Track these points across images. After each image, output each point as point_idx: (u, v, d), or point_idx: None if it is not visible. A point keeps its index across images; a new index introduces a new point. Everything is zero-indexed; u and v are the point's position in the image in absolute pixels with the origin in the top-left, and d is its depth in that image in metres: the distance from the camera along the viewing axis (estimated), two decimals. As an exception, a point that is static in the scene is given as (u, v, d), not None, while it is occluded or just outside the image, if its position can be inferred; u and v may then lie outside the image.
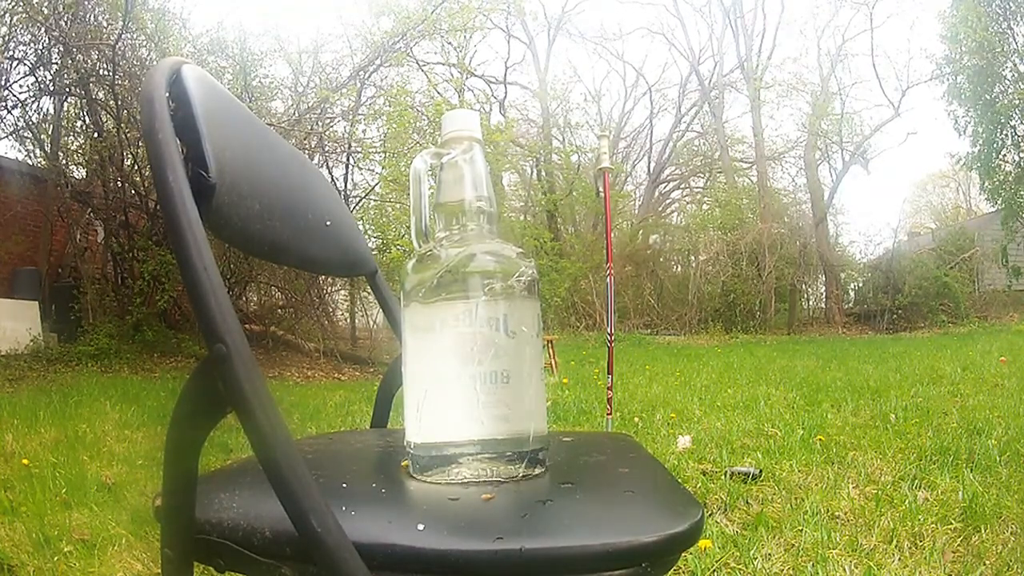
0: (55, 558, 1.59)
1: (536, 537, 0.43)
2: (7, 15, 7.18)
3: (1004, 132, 13.09)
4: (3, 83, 7.47)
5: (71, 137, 8.25)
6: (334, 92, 8.01)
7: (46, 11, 6.95)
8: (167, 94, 0.50)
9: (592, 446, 0.72)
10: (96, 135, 7.54)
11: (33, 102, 7.83)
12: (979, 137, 13.45)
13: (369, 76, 8.48)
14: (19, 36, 7.41)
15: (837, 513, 1.86)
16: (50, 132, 8.04)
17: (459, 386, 0.53)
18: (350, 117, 8.39)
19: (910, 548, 1.59)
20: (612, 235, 2.94)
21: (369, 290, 1.01)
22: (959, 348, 7.53)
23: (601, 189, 2.67)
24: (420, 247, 0.59)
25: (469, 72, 13.41)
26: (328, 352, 7.74)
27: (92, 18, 7.27)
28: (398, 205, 8.31)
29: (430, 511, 0.47)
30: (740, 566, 1.52)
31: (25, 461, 2.46)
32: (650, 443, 2.85)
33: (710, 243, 14.05)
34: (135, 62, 7.11)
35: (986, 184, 13.60)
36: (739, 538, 1.68)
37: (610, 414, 2.73)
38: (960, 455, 2.37)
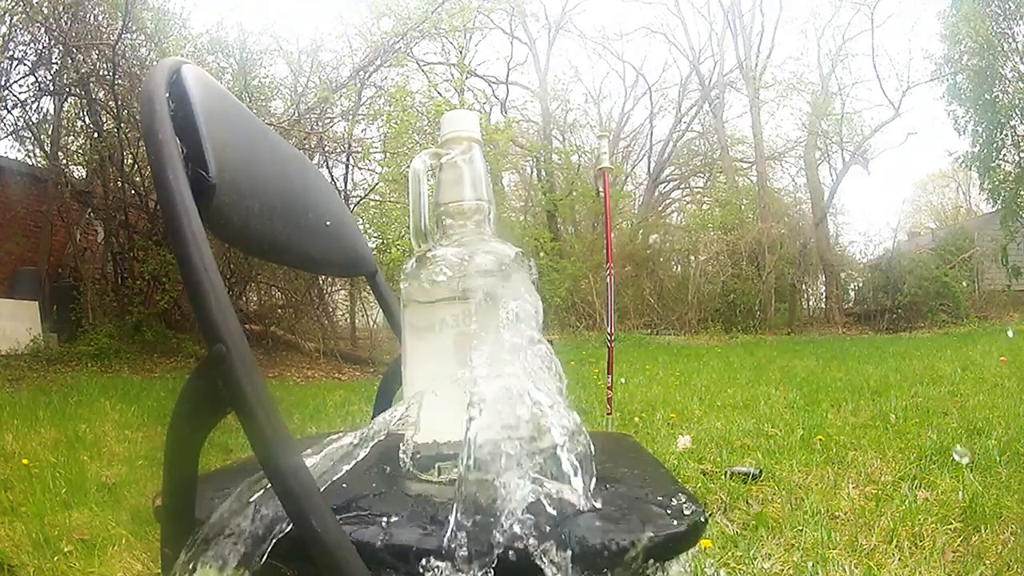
0: (55, 558, 1.59)
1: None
2: (7, 15, 7.18)
3: (1004, 132, 13.08)
4: (3, 83, 7.47)
5: (71, 137, 8.25)
6: (334, 92, 8.00)
7: (46, 11, 6.95)
8: (167, 94, 0.50)
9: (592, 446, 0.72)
10: (96, 135, 7.54)
11: (33, 102, 7.83)
12: (979, 137, 13.45)
13: (369, 76, 8.47)
14: (19, 36, 7.41)
15: (837, 513, 1.86)
16: (50, 132, 8.04)
17: (459, 386, 0.53)
18: (350, 117, 8.39)
19: (910, 548, 1.59)
20: (612, 235, 2.94)
21: (369, 290, 1.01)
22: (959, 348, 7.53)
23: (601, 189, 2.67)
24: (419, 247, 0.59)
25: (469, 72, 13.40)
26: (328, 352, 7.74)
27: (92, 18, 7.27)
28: (398, 205, 8.31)
29: (430, 511, 0.47)
30: (740, 566, 1.52)
31: (25, 461, 2.46)
32: (650, 443, 2.85)
33: (710, 243, 14.05)
34: (135, 62, 7.11)
35: (986, 184, 13.60)
36: (739, 538, 1.68)
37: (610, 414, 2.73)
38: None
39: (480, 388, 0.46)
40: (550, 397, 0.47)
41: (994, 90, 12.94)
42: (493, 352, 0.51)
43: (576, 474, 0.46)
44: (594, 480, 0.47)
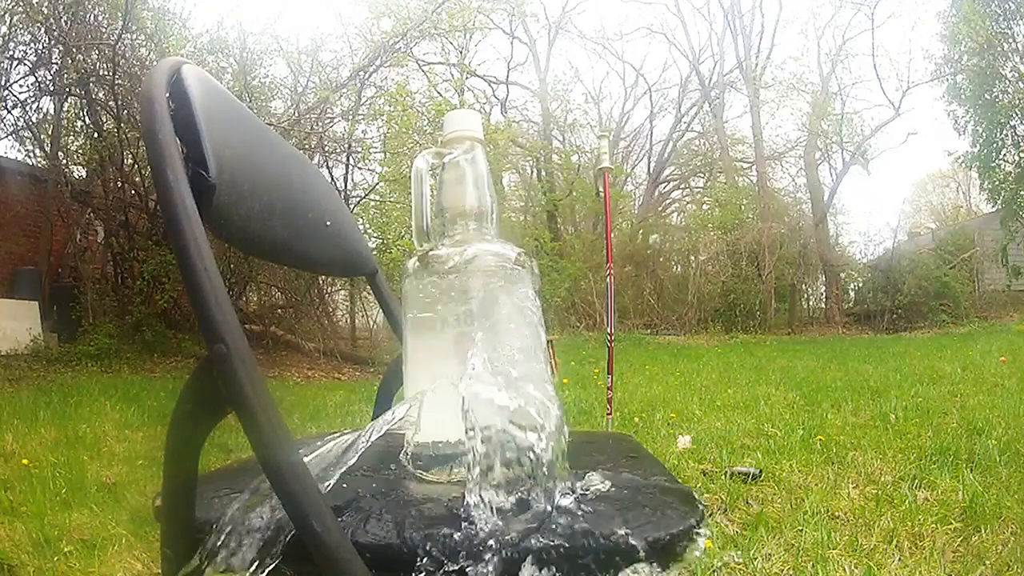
0: (55, 558, 1.59)
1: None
2: (7, 15, 7.18)
3: (1004, 132, 13.07)
4: (3, 83, 7.47)
5: (71, 137, 8.24)
6: (334, 92, 8.00)
7: (46, 11, 6.95)
8: (167, 94, 0.49)
9: (592, 446, 0.72)
10: (96, 135, 7.53)
11: (33, 102, 7.84)
12: (979, 137, 13.45)
13: (369, 76, 8.47)
14: (19, 36, 7.41)
15: (837, 513, 1.86)
16: (50, 132, 8.04)
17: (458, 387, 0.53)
18: (350, 117, 8.38)
19: (910, 548, 1.59)
20: (612, 235, 2.94)
21: (369, 290, 1.01)
22: (959, 348, 7.53)
23: (601, 189, 2.66)
24: (421, 247, 0.59)
25: (469, 72, 13.39)
26: (328, 352, 7.74)
27: (92, 18, 7.26)
28: (398, 205, 8.31)
29: (430, 511, 0.47)
30: (740, 566, 1.52)
31: (25, 461, 2.46)
32: (650, 443, 2.85)
33: (710, 243, 14.04)
34: (135, 62, 7.11)
35: (986, 184, 13.60)
36: (739, 538, 1.68)
37: (610, 414, 2.73)
38: (960, 455, 2.37)
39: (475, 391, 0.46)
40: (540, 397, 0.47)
41: (994, 90, 12.94)
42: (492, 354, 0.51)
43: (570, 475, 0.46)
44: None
